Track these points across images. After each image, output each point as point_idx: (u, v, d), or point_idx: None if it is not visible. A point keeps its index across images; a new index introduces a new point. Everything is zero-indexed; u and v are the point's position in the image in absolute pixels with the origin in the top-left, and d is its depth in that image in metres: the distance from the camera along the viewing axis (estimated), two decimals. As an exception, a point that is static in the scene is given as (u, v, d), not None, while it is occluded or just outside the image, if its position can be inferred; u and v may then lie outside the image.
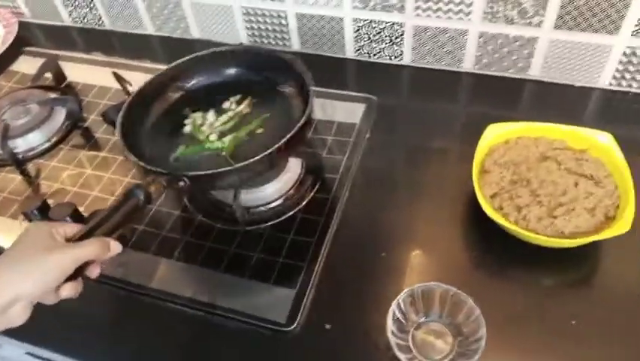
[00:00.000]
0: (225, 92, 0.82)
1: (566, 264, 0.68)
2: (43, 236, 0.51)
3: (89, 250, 0.53)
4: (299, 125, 0.66)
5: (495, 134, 0.75)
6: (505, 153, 0.73)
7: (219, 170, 0.64)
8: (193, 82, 0.84)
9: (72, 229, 0.54)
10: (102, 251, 0.54)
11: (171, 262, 0.73)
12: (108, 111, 0.87)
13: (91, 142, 0.91)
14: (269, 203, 0.77)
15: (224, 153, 0.72)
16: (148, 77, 0.96)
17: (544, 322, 0.63)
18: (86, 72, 1.02)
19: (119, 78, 0.92)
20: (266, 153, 0.64)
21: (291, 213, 0.76)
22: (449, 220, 0.73)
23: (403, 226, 0.73)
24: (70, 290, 0.51)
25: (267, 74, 0.81)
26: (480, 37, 0.87)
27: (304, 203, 0.77)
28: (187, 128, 0.78)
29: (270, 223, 0.75)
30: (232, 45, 0.86)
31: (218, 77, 0.84)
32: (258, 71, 0.82)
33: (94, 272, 0.54)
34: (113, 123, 0.87)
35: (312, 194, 0.78)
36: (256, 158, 0.64)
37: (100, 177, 0.84)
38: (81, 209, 0.78)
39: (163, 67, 0.98)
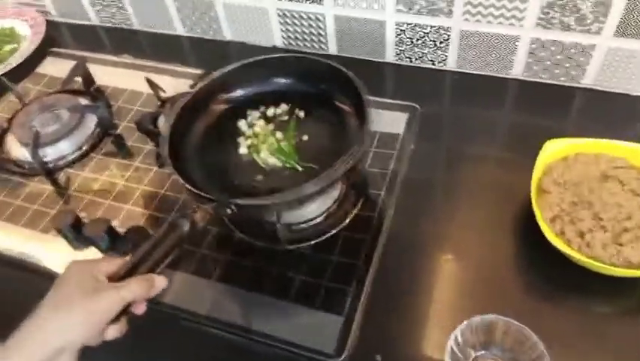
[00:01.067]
0: (274, 102, 0.78)
1: (631, 292, 0.64)
2: (85, 278, 0.49)
3: (134, 290, 0.51)
4: (355, 157, 0.62)
5: (553, 150, 0.71)
6: (564, 171, 0.69)
7: (269, 201, 0.60)
8: (240, 92, 0.80)
9: (113, 265, 0.52)
10: (147, 290, 0.52)
11: (209, 283, 0.69)
12: (142, 120, 0.84)
13: (123, 151, 0.88)
14: (310, 220, 0.73)
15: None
16: (179, 81, 0.94)
17: (609, 354, 0.59)
18: (115, 75, 0.99)
19: (152, 84, 0.89)
20: (320, 184, 0.61)
21: (333, 231, 0.72)
22: (504, 242, 0.69)
23: (454, 247, 0.69)
24: (115, 332, 0.49)
25: (324, 87, 0.77)
26: (532, 44, 0.83)
27: (347, 221, 0.73)
28: (242, 150, 0.74)
29: (312, 242, 0.72)
30: (283, 54, 0.82)
31: (268, 87, 0.80)
32: (311, 82, 0.78)
33: (139, 309, 0.52)
34: (147, 132, 0.84)
35: (355, 211, 0.74)
36: (311, 189, 0.61)
37: (133, 189, 0.81)
38: (115, 223, 0.75)
39: (195, 71, 0.96)
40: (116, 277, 0.51)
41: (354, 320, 0.63)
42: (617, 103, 0.84)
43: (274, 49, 1.01)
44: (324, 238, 0.72)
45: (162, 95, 0.88)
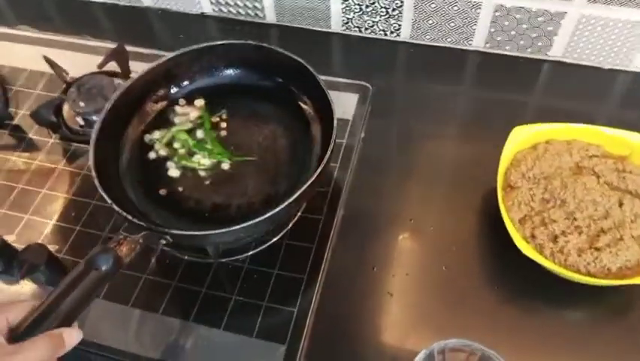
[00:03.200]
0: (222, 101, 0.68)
1: (613, 299, 0.57)
2: None
3: (35, 354, 0.40)
4: (312, 179, 0.53)
5: (521, 138, 0.62)
6: (534, 163, 0.60)
7: (215, 231, 0.50)
8: (177, 89, 0.69)
9: (15, 313, 0.41)
10: (54, 350, 0.41)
11: (124, 310, 0.58)
12: (40, 110, 0.70)
13: (22, 146, 0.73)
14: (246, 227, 0.63)
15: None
16: (89, 58, 0.79)
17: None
18: (12, 52, 0.83)
19: (52, 64, 0.74)
20: (272, 213, 0.52)
21: (274, 239, 0.62)
22: (467, 246, 0.61)
23: (410, 255, 0.61)
24: None
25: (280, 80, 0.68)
26: (496, 12, 0.72)
27: (290, 226, 0.63)
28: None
29: (249, 253, 0.61)
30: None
31: (210, 81, 0.69)
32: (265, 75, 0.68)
33: None
34: (48, 125, 0.71)
35: (299, 214, 0.64)
36: (263, 217, 0.51)
37: (34, 194, 0.68)
38: (11, 239, 0.62)
39: (107, 44, 0.81)
40: (17, 333, 0.41)
41: (299, 349, 0.54)
42: (587, 78, 0.75)
43: (202, 16, 0.87)
44: (263, 247, 0.62)
45: (66, 77, 0.74)
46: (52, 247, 0.62)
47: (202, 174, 0.62)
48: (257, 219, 0.51)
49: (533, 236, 0.56)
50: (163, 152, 0.64)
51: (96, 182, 0.54)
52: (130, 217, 0.51)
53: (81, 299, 0.45)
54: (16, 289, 0.61)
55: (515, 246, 0.55)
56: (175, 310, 0.58)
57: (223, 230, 0.50)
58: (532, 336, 0.54)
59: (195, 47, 0.67)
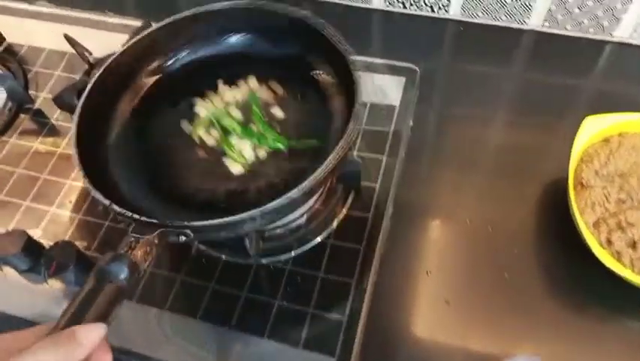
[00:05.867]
0: (227, 73, 0.59)
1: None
2: None
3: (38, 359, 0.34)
4: (338, 153, 0.46)
5: (593, 130, 0.56)
6: (607, 159, 0.55)
7: (236, 218, 0.43)
8: (175, 59, 0.60)
9: (26, 340, 0.36)
10: (67, 353, 0.35)
11: (159, 314, 0.54)
12: (62, 94, 0.65)
13: (44, 132, 0.69)
14: (287, 224, 0.58)
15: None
16: (113, 37, 0.74)
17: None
18: (31, 30, 0.78)
19: (73, 43, 0.69)
20: (294, 192, 0.44)
21: (319, 239, 0.57)
22: (530, 249, 0.55)
23: (467, 259, 0.56)
24: None
25: (295, 49, 0.58)
26: (559, -13, 0.66)
27: (335, 224, 0.58)
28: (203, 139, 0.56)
29: (292, 254, 0.57)
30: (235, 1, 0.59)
31: (214, 50, 0.61)
32: (278, 43, 0.59)
33: None
34: (71, 109, 0.66)
35: (344, 210, 0.59)
36: (283, 199, 0.44)
37: (59, 185, 0.63)
38: (37, 235, 0.58)
39: (132, 22, 0.76)
40: None
41: (348, 361, 0.50)
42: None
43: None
44: (306, 248, 0.57)
45: (89, 57, 0.68)
46: (79, 244, 0.58)
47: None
48: (282, 200, 0.44)
49: (610, 242, 0.50)
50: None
51: (88, 183, 0.46)
52: (137, 217, 0.43)
53: (98, 316, 0.38)
54: (43, 289, 0.57)
55: (586, 250, 0.50)
56: (214, 315, 0.53)
57: (249, 214, 0.43)
58: (608, 352, 0.50)
59: (178, 16, 0.58)
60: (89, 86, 0.53)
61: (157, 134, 0.57)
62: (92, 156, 0.50)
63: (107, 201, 0.44)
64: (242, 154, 0.54)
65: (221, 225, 0.43)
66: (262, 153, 0.55)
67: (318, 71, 0.58)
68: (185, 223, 0.43)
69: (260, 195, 0.51)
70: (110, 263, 0.39)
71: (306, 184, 0.44)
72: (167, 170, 0.54)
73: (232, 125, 0.56)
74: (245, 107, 0.58)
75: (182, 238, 0.44)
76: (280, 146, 0.54)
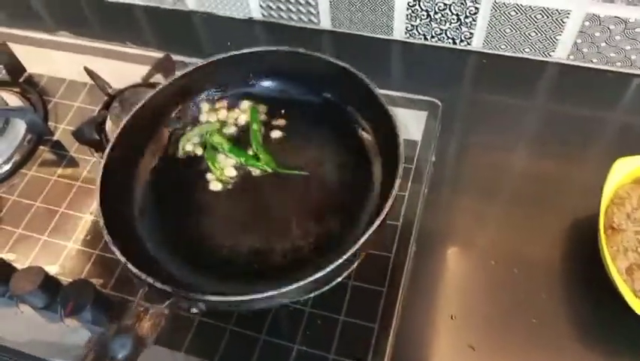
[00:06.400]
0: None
1: None
2: None
3: None
4: (373, 228, 0.46)
5: (624, 172, 0.54)
6: (639, 201, 0.53)
7: (263, 295, 0.42)
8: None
9: None
10: None
11: (176, 357, 0.53)
12: (82, 128, 0.65)
13: (63, 164, 0.68)
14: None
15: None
16: (131, 68, 0.74)
17: None
18: (51, 60, 0.78)
19: (93, 76, 0.69)
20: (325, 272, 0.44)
21: (338, 279, 0.56)
22: (559, 293, 0.54)
23: (493, 303, 0.54)
24: None
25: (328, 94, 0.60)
26: (586, 21, 0.64)
27: (355, 263, 0.56)
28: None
29: (311, 294, 0.55)
30: (267, 47, 0.59)
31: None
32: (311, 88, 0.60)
33: None
34: (90, 144, 0.66)
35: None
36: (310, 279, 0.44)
37: (76, 219, 0.63)
38: (54, 271, 0.58)
39: (151, 53, 0.76)
40: None
41: (371, 413, 0.48)
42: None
43: (250, 21, 0.80)
44: (326, 288, 0.55)
45: (108, 89, 0.68)
46: (96, 281, 0.57)
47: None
48: (312, 277, 0.44)
49: (643, 290, 0.49)
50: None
51: (107, 236, 0.46)
52: (152, 281, 0.42)
53: None
54: (58, 328, 0.56)
55: (617, 296, 0.48)
56: (232, 359, 0.52)
57: (272, 293, 0.43)
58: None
59: (213, 58, 0.58)
60: (113, 137, 0.53)
61: (182, 187, 0.57)
62: (117, 212, 0.50)
63: (122, 258, 0.43)
64: (223, 172, 0.56)
65: (239, 302, 0.42)
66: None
67: (359, 127, 0.59)
68: (202, 298, 0.42)
69: (284, 260, 0.51)
70: (114, 337, 0.38)
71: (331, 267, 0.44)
72: (187, 222, 0.54)
73: (220, 142, 0.57)
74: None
75: (194, 311, 0.43)
76: (267, 168, 0.56)
